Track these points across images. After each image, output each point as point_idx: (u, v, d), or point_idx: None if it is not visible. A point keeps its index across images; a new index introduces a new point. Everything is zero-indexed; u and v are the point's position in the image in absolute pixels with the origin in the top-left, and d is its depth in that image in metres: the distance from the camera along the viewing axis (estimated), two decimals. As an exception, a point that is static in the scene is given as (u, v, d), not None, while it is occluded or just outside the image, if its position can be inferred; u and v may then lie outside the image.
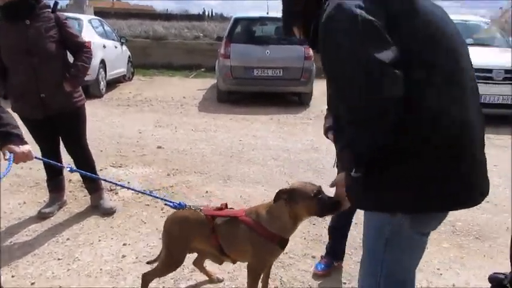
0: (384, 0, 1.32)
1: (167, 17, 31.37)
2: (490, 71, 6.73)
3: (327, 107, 2.50)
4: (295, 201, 1.96)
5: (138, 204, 3.69)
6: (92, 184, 3.56)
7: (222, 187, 4.14)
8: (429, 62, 1.33)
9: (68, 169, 2.47)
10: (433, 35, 1.36)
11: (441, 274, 2.75)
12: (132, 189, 3.26)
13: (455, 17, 7.54)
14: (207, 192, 3.98)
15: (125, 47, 10.81)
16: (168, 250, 2.27)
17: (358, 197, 1.52)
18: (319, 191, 1.95)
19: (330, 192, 1.94)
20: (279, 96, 8.68)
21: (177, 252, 2.26)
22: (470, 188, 1.40)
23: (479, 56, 7.16)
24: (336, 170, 2.59)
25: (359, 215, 2.67)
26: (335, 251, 2.78)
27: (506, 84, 6.81)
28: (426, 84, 1.32)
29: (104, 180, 2.87)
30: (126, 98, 8.78)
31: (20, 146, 2.12)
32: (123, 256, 2.87)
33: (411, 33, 1.33)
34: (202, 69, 13.18)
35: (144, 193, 2.75)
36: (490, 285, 2.61)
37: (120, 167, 4.63)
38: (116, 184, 3.09)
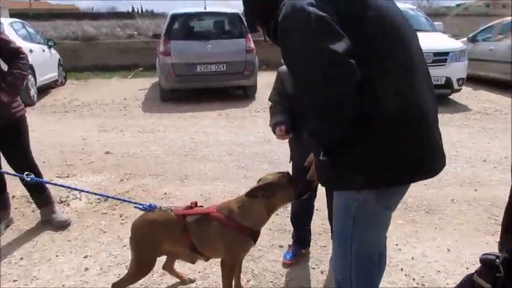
0: None
1: (93, 16, 30.09)
2: (420, 54, 7.18)
3: (270, 104, 2.53)
4: (274, 195, 1.98)
5: (94, 213, 3.54)
6: (42, 197, 3.36)
7: (180, 187, 4.07)
8: (385, 55, 1.42)
9: (29, 179, 2.30)
10: (386, 28, 1.44)
11: (400, 249, 2.92)
12: (106, 196, 3.10)
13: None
14: (165, 194, 3.90)
15: (53, 50, 10.23)
16: (137, 256, 2.21)
17: (327, 178, 1.62)
18: (290, 176, 1.98)
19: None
20: (223, 91, 8.65)
21: (147, 257, 2.21)
22: (429, 161, 1.52)
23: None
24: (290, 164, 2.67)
25: (319, 202, 2.78)
26: (300, 239, 2.85)
27: (435, 66, 7.30)
28: (383, 75, 1.40)
29: (71, 188, 2.67)
30: (62, 104, 8.32)
31: None
32: (86, 269, 2.75)
33: (365, 28, 1.40)
34: (140, 69, 12.82)
35: (120, 199, 2.63)
36: (454, 259, 2.83)
37: (67, 177, 4.40)
38: (91, 193, 2.92)
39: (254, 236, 2.09)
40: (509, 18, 9.66)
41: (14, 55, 3.07)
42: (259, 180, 2.08)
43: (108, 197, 2.88)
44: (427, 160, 1.51)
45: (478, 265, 2.60)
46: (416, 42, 1.55)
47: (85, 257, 2.89)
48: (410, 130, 1.44)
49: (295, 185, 1.96)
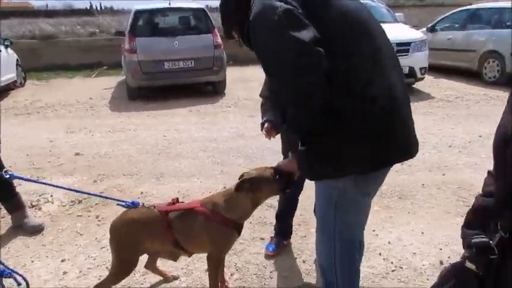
0: None
1: (48, 13, 28.90)
2: (385, 45, 7.35)
3: (262, 101, 2.53)
4: (259, 189, 2.00)
5: (69, 216, 3.45)
6: (12, 202, 3.26)
7: (157, 186, 4.02)
8: (351, 51, 1.48)
9: (8, 176, 2.20)
10: (352, 25, 1.50)
11: (377, 235, 3.01)
12: (88, 193, 2.98)
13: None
14: (141, 193, 3.85)
15: (10, 50, 9.77)
16: (118, 256, 2.18)
17: (306, 169, 1.67)
18: (275, 171, 2.01)
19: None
20: (192, 88, 8.56)
21: (128, 257, 2.18)
22: (404, 147, 1.59)
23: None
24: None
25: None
26: (283, 230, 2.89)
27: (399, 56, 7.45)
28: (351, 71, 1.46)
29: (53, 186, 2.56)
30: (24, 106, 7.98)
31: None
32: (65, 273, 2.69)
33: (329, 26, 1.46)
34: (105, 67, 12.48)
35: (103, 196, 2.57)
36: (428, 241, 2.94)
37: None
38: (74, 190, 2.82)
39: (238, 228, 2.11)
40: (466, 7, 10.05)
41: None
42: (241, 176, 2.09)
43: (90, 194, 2.80)
44: (400, 147, 1.57)
45: (451, 246, 2.72)
46: (382, 36, 1.61)
47: (62, 260, 2.82)
48: (381, 119, 1.49)
49: (279, 180, 1.98)
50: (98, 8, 39.84)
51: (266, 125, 2.29)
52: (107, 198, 2.54)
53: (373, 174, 1.62)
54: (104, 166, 4.61)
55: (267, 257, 2.79)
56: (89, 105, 7.83)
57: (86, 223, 3.31)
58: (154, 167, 4.52)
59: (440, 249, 2.81)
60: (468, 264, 0.93)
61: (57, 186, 2.32)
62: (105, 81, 10.61)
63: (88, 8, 38.08)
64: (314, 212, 2.82)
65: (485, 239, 0.88)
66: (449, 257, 2.69)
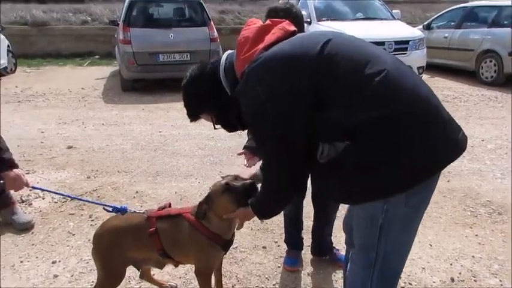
0: None
1: (40, -1, 28.17)
2: (382, 43, 7.23)
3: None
4: (216, 205, 1.89)
5: (60, 214, 3.29)
6: (1, 198, 3.10)
7: (153, 185, 3.86)
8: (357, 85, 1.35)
9: None
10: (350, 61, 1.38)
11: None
12: (77, 198, 2.85)
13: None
14: (137, 192, 3.68)
15: (1, 36, 9.51)
16: (104, 268, 2.02)
17: (349, 194, 1.47)
18: (228, 183, 1.86)
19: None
20: (188, 81, 8.38)
21: (114, 268, 2.03)
22: (449, 141, 1.42)
23: (372, 30, 7.69)
24: None
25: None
26: (297, 242, 2.72)
27: (397, 55, 7.40)
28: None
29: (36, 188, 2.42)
30: (14, 94, 7.74)
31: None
32: (55, 276, 2.54)
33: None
34: (97, 57, 12.23)
35: (86, 201, 2.43)
36: (437, 254, 2.84)
37: (27, 173, 4.05)
38: (58, 193, 2.67)
39: (224, 244, 1.97)
40: (463, 5, 9.95)
41: None
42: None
43: (75, 198, 2.66)
44: (446, 143, 1.41)
45: (461, 260, 2.61)
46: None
47: (53, 262, 2.68)
48: (419, 119, 1.35)
49: (233, 191, 1.83)
50: (90, -5, 38.98)
51: (245, 152, 2.21)
52: (93, 203, 2.38)
53: (423, 183, 1.38)
54: (98, 161, 4.44)
55: (285, 272, 2.62)
56: (81, 96, 7.61)
57: (78, 222, 3.16)
58: (151, 165, 4.36)
59: (451, 264, 2.69)
60: None
61: (47, 191, 2.15)
62: (98, 71, 10.37)
63: (79, -6, 37.30)
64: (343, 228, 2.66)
65: None
66: (460, 273, 2.57)
